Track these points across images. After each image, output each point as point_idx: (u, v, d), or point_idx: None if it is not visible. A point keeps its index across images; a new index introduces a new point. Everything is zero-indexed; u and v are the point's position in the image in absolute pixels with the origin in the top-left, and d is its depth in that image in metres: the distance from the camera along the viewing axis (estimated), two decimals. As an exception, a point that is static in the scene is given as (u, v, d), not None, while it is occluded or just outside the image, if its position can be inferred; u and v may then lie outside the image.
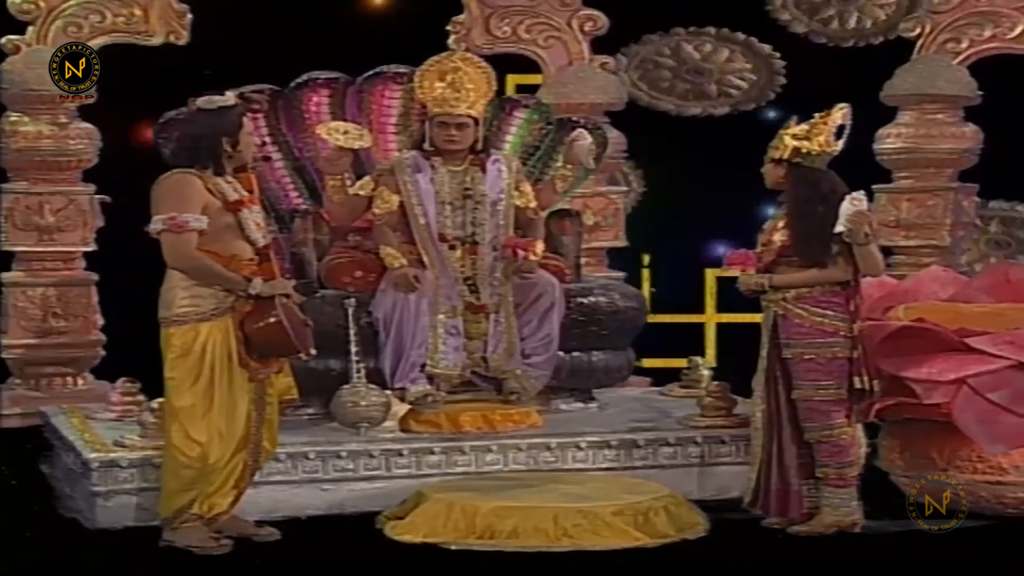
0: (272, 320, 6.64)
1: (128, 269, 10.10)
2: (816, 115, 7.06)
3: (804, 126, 7.04)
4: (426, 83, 8.19)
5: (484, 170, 8.15)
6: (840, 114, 7.03)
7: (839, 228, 6.85)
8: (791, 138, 7.01)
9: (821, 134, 6.99)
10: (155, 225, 6.63)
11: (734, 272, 7.14)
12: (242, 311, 6.68)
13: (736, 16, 10.79)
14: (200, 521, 6.72)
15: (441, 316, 7.94)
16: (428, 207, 8.06)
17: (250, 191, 6.79)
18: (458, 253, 8.07)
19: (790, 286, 6.98)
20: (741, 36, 10.85)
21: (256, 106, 8.27)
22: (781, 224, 7.04)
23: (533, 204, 8.24)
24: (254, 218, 6.73)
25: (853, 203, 6.86)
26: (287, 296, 6.76)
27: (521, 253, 8.00)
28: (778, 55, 10.83)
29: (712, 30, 10.83)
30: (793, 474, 7.06)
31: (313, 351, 6.83)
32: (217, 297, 6.65)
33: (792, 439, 7.05)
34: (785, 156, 7.01)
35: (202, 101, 6.77)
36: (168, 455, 6.72)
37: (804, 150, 6.98)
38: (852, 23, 10.72)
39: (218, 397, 6.64)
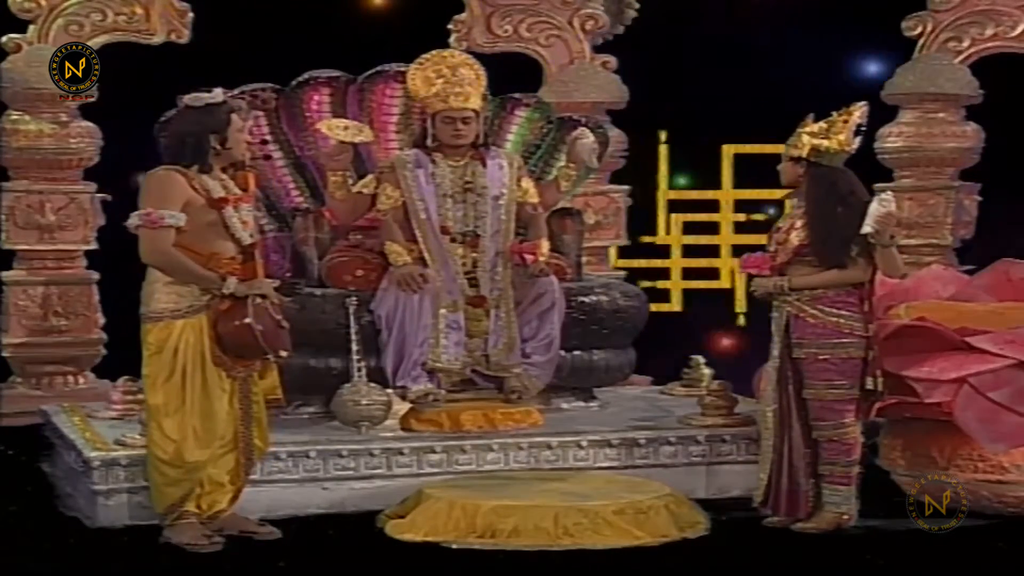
0: (241, 321, 6.62)
1: (129, 268, 10.17)
2: (834, 113, 7.03)
3: (822, 124, 7.00)
4: (419, 81, 8.21)
5: (484, 164, 8.15)
6: (859, 112, 7.00)
7: (867, 228, 6.79)
8: (810, 136, 6.97)
9: (841, 132, 6.96)
10: (132, 221, 6.65)
11: (752, 272, 7.12)
12: (218, 310, 6.67)
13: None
14: (198, 519, 6.73)
15: (443, 311, 7.94)
16: (429, 202, 8.07)
17: (245, 189, 6.79)
18: (460, 249, 8.07)
19: (810, 288, 6.95)
20: None
21: (263, 103, 8.29)
22: (798, 224, 6.99)
23: (534, 200, 8.25)
24: (241, 216, 6.70)
25: (882, 204, 6.81)
26: (263, 297, 6.71)
27: (529, 258, 8.01)
28: None
29: None
30: (802, 474, 7.05)
31: (284, 353, 6.78)
32: (194, 295, 6.64)
33: (801, 438, 7.04)
34: (804, 155, 6.97)
35: (189, 98, 6.75)
36: (149, 452, 6.76)
37: (823, 148, 6.95)
38: None
39: (190, 395, 6.63)
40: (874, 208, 6.81)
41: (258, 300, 6.68)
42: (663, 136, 11.04)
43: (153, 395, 6.67)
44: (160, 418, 6.66)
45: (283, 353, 6.78)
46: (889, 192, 6.95)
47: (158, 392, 6.66)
